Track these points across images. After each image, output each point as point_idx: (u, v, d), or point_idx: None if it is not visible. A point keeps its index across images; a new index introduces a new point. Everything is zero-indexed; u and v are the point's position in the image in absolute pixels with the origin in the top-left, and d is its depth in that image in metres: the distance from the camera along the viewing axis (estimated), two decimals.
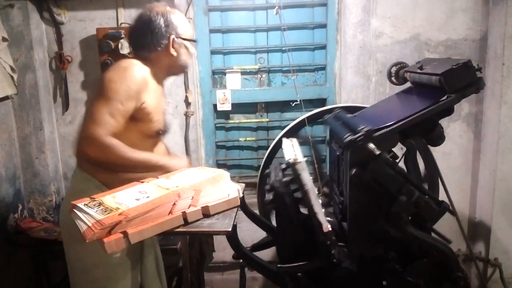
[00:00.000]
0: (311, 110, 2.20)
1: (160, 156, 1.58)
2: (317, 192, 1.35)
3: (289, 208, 1.42)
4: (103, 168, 1.42)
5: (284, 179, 1.48)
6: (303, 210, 1.41)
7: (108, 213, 1.16)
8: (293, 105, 2.36)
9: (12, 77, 2.27)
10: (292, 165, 1.33)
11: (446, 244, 1.32)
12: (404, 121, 1.31)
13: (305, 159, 1.36)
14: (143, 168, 1.44)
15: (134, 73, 1.43)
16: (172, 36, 1.53)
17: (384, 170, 1.26)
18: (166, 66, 1.57)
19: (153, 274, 1.74)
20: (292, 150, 1.50)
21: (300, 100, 2.03)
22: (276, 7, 1.93)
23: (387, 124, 1.32)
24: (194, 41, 1.64)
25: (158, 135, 1.57)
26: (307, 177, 1.32)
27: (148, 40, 1.52)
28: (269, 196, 1.51)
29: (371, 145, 1.24)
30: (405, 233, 1.28)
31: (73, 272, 1.53)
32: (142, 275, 1.66)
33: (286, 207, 1.42)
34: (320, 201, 1.38)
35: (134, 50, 1.58)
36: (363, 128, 1.27)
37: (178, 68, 1.62)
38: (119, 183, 1.38)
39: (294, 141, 1.65)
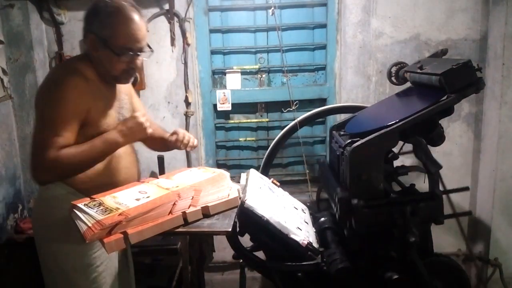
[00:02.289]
0: (310, 110, 2.21)
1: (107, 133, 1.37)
2: (289, 206, 1.38)
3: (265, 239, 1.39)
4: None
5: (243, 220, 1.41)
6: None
7: (108, 213, 1.16)
8: (285, 111, 2.36)
9: (2, 80, 2.26)
10: (241, 207, 1.29)
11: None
12: (404, 121, 1.31)
13: (266, 182, 1.37)
14: (99, 152, 1.32)
15: (68, 85, 1.30)
16: (92, 35, 1.34)
17: (366, 215, 1.30)
18: (99, 67, 1.39)
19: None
20: (244, 187, 1.44)
21: (292, 101, 1.99)
22: (272, 8, 1.92)
23: (387, 124, 1.32)
24: (118, 53, 1.34)
25: None
26: (261, 208, 1.29)
27: (83, 28, 1.38)
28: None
29: None
30: (409, 254, 1.30)
31: (50, 275, 1.49)
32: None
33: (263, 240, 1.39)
34: (295, 213, 1.40)
35: None
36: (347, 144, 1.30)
37: (103, 73, 1.40)
38: (92, 187, 1.34)
39: (251, 172, 1.60)
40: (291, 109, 2.27)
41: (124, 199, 1.26)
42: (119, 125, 1.37)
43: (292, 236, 1.28)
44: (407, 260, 1.32)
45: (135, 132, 1.37)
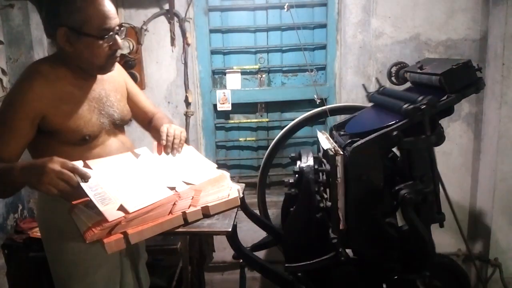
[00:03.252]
0: (310, 110, 2.21)
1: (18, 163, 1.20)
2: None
3: (311, 197, 1.41)
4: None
5: (316, 167, 1.46)
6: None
7: (107, 204, 1.14)
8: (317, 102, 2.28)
9: (1, 80, 2.26)
10: (332, 156, 1.30)
11: (433, 242, 1.32)
12: (404, 121, 1.31)
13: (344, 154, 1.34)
14: (12, 176, 1.15)
15: (22, 87, 1.24)
16: (62, 27, 1.22)
17: (423, 151, 1.27)
18: (72, 63, 1.30)
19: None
20: (329, 142, 1.47)
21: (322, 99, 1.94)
22: (287, 4, 1.92)
23: (387, 124, 1.32)
24: (99, 36, 1.24)
25: (86, 141, 1.34)
26: (340, 171, 1.30)
27: (44, 27, 1.29)
28: (292, 179, 1.50)
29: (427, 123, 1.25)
30: (405, 211, 1.28)
31: (54, 278, 1.48)
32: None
33: (309, 195, 1.40)
34: None
35: None
36: (425, 97, 1.27)
37: (86, 66, 1.31)
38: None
39: (331, 135, 1.63)
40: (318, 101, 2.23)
41: (122, 186, 1.24)
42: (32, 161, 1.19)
43: (341, 213, 1.29)
44: (404, 218, 1.31)
45: (32, 174, 1.11)
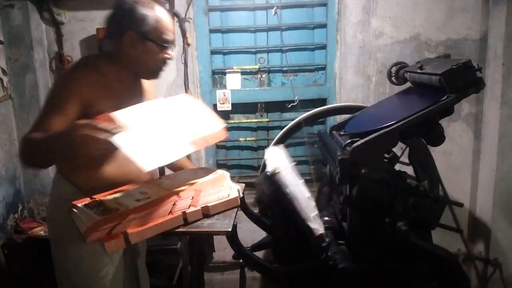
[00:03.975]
0: (310, 110, 2.21)
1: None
2: (306, 195, 1.35)
3: (280, 216, 1.41)
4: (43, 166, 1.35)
5: (270, 191, 1.44)
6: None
7: (107, 214, 1.16)
8: (289, 106, 2.34)
9: (1, 79, 2.27)
10: (270, 177, 1.32)
11: (448, 251, 1.32)
12: (404, 121, 1.31)
13: (291, 164, 1.35)
14: (53, 142, 1.21)
15: (78, 73, 1.34)
16: (131, 31, 1.37)
17: (369, 187, 1.26)
18: (129, 65, 1.43)
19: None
20: (274, 159, 1.46)
21: (298, 100, 2.00)
22: (275, 8, 1.92)
23: (387, 124, 1.32)
24: (161, 45, 1.40)
25: None
26: (291, 184, 1.31)
27: (110, 29, 1.42)
28: (257, 210, 1.51)
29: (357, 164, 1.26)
30: (408, 244, 1.28)
31: (58, 278, 1.49)
32: None
33: (277, 216, 1.42)
34: (312, 203, 1.39)
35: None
36: (347, 144, 1.29)
37: (141, 69, 1.45)
38: (95, 188, 1.34)
39: (280, 148, 1.61)
40: (294, 103, 2.25)
41: (125, 200, 1.26)
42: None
43: (309, 223, 1.28)
44: (407, 248, 1.31)
45: (68, 133, 1.16)
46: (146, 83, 1.58)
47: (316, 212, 1.41)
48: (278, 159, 1.45)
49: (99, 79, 1.36)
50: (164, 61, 1.45)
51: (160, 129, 1.30)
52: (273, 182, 1.31)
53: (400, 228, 1.23)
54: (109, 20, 1.42)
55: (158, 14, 1.39)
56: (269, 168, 1.39)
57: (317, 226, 1.30)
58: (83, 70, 1.36)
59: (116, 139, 1.13)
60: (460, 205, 1.57)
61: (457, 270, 1.31)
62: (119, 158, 1.40)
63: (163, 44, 1.41)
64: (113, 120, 1.20)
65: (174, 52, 1.50)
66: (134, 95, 1.49)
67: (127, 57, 1.41)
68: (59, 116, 1.28)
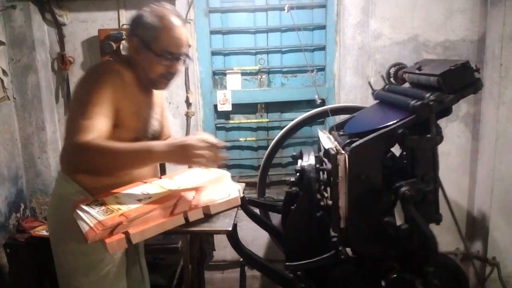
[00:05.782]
0: (310, 110, 2.23)
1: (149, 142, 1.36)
2: None
3: (312, 195, 1.42)
4: (94, 174, 1.35)
5: (317, 165, 1.48)
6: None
7: (109, 214, 1.17)
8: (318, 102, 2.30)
9: (2, 80, 2.28)
10: (333, 155, 1.31)
11: (435, 237, 1.33)
12: (403, 121, 1.32)
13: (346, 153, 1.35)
14: (131, 158, 1.27)
15: (107, 79, 1.34)
16: (135, 37, 1.39)
17: (427, 149, 1.28)
18: (139, 71, 1.43)
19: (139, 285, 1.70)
20: (330, 141, 1.49)
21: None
22: (287, 5, 1.94)
23: (386, 124, 1.34)
24: (162, 56, 1.38)
25: (131, 142, 1.40)
26: (342, 171, 1.31)
27: (128, 36, 1.45)
28: (294, 178, 1.52)
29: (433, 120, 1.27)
30: (405, 208, 1.28)
31: (59, 278, 1.50)
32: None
33: (310, 193, 1.42)
34: None
35: None
36: (433, 93, 1.28)
37: (142, 77, 1.43)
38: (100, 187, 1.35)
39: (332, 134, 1.64)
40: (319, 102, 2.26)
41: (126, 200, 1.27)
42: (169, 140, 1.35)
43: (341, 212, 1.29)
44: (405, 215, 1.32)
45: (176, 155, 1.25)
46: (158, 93, 1.58)
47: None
48: (334, 143, 1.46)
49: (122, 85, 1.37)
50: (168, 74, 1.43)
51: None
52: (334, 160, 1.30)
53: (405, 193, 1.23)
54: (129, 24, 1.45)
55: (167, 25, 1.37)
56: (328, 146, 1.39)
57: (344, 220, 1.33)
58: (110, 75, 1.36)
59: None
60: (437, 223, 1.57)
61: (431, 257, 1.32)
62: None
63: (161, 55, 1.38)
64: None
65: (180, 66, 1.45)
66: (148, 103, 1.50)
67: (138, 65, 1.42)
68: (105, 119, 1.29)
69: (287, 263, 1.40)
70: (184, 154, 1.23)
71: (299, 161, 1.57)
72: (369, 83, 1.85)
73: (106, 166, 1.27)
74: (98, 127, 1.26)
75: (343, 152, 1.32)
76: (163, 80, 1.46)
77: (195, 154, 1.22)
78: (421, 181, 1.28)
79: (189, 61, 1.48)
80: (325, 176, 1.48)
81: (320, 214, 1.43)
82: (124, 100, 1.36)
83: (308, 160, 1.52)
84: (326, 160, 1.49)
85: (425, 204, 1.32)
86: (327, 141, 1.50)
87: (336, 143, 1.46)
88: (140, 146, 1.29)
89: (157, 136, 1.58)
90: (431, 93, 1.30)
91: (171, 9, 1.43)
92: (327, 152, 1.41)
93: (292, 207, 1.50)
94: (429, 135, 1.28)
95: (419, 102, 1.28)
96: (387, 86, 1.72)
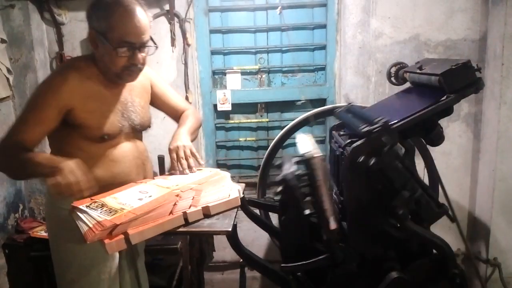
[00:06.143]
0: (310, 110, 2.21)
1: (51, 157, 1.29)
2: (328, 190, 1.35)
3: (297, 202, 1.41)
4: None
5: (297, 172, 1.47)
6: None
7: (114, 214, 1.16)
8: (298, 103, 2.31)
9: (7, 78, 2.27)
10: (308, 160, 1.31)
11: (444, 240, 1.32)
12: (403, 121, 1.31)
13: (322, 155, 1.34)
14: (32, 166, 1.23)
15: (56, 79, 1.32)
16: (91, 30, 1.32)
17: (393, 163, 1.26)
18: (101, 65, 1.37)
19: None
20: (308, 145, 1.47)
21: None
22: (279, 7, 1.93)
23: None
24: (119, 47, 1.30)
25: (103, 139, 1.40)
26: (321, 173, 1.30)
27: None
28: (278, 188, 1.50)
29: (385, 138, 1.24)
30: (404, 227, 1.28)
31: (57, 276, 1.50)
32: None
33: (295, 201, 1.41)
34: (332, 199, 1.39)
35: None
36: (380, 120, 1.26)
37: (104, 70, 1.37)
38: (99, 188, 1.30)
39: (310, 136, 1.61)
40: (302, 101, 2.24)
41: (126, 199, 1.26)
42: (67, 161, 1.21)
43: (328, 214, 1.26)
44: (405, 233, 1.31)
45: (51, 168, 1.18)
46: (136, 83, 1.49)
47: (336, 208, 1.43)
48: (311, 146, 1.44)
49: (81, 83, 1.33)
50: (130, 65, 1.35)
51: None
52: (310, 164, 1.30)
53: (397, 213, 1.23)
54: (86, 15, 1.36)
55: (120, 12, 1.28)
56: (304, 151, 1.38)
57: (334, 221, 1.31)
58: (63, 74, 1.32)
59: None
60: (452, 220, 1.58)
61: (452, 261, 1.31)
62: (113, 159, 1.42)
63: (117, 46, 1.30)
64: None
65: (144, 55, 1.37)
66: (119, 96, 1.44)
67: (96, 57, 1.37)
68: (37, 125, 1.29)
69: (282, 265, 1.39)
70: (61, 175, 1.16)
71: (279, 170, 1.56)
72: (346, 95, 1.83)
73: (7, 169, 1.31)
74: (26, 134, 1.28)
75: (319, 155, 1.31)
76: (127, 72, 1.38)
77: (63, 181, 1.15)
78: (405, 192, 1.27)
79: (153, 49, 1.40)
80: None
81: (312, 217, 1.42)
82: (79, 99, 1.32)
83: (289, 168, 1.50)
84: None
85: (422, 206, 1.32)
86: (304, 145, 1.48)
87: (314, 145, 1.44)
88: (30, 156, 1.25)
89: (146, 127, 1.56)
90: (380, 118, 1.28)
91: None
92: (303, 157, 1.41)
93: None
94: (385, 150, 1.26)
95: (366, 128, 1.27)
96: (349, 105, 1.70)
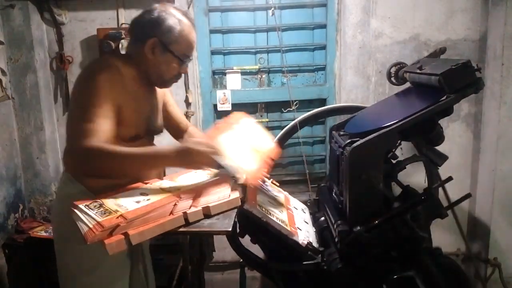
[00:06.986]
0: (310, 110, 2.21)
1: (160, 147, 1.39)
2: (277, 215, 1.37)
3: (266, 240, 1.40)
4: (104, 176, 1.35)
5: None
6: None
7: (107, 216, 1.16)
8: (285, 111, 2.34)
9: (1, 80, 2.27)
10: (242, 213, 1.31)
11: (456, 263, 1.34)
12: (403, 121, 1.31)
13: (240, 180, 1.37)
14: (142, 163, 1.32)
15: (102, 76, 1.31)
16: (154, 38, 1.38)
17: (377, 182, 1.29)
18: (145, 69, 1.43)
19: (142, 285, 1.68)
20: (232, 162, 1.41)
21: (292, 102, 2.00)
22: (272, 9, 1.93)
23: (387, 124, 1.33)
24: (179, 59, 1.42)
25: (132, 139, 1.42)
26: (260, 212, 1.32)
27: (134, 33, 1.43)
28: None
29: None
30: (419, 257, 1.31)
31: (61, 278, 1.49)
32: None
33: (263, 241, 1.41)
34: (283, 215, 1.41)
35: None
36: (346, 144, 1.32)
37: (154, 76, 1.45)
38: (104, 188, 1.33)
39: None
40: (291, 109, 2.27)
41: (125, 202, 1.26)
42: (185, 144, 1.31)
43: (292, 237, 1.29)
44: (415, 259, 1.32)
45: (183, 160, 1.29)
46: (158, 89, 1.58)
47: (300, 220, 1.47)
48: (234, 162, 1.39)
49: (121, 80, 1.35)
50: (178, 74, 1.48)
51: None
52: (244, 216, 1.30)
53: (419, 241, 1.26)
54: (136, 22, 1.43)
55: (185, 29, 1.40)
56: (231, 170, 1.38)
57: (302, 236, 1.33)
58: (108, 71, 1.33)
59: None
60: (468, 195, 1.59)
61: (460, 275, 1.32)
62: None
63: (182, 58, 1.43)
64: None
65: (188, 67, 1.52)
66: (149, 99, 1.50)
67: (145, 62, 1.41)
68: (107, 120, 1.28)
69: (269, 262, 1.40)
70: (190, 160, 1.28)
71: None
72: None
73: (113, 170, 1.30)
74: (102, 129, 1.25)
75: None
76: (174, 80, 1.49)
77: (199, 160, 1.29)
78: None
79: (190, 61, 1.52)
80: None
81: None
82: (124, 96, 1.34)
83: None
84: None
85: (416, 215, 1.33)
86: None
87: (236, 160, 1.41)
88: (148, 152, 1.32)
89: (159, 132, 1.59)
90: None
91: (185, 11, 1.46)
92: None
93: None
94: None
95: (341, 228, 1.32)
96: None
